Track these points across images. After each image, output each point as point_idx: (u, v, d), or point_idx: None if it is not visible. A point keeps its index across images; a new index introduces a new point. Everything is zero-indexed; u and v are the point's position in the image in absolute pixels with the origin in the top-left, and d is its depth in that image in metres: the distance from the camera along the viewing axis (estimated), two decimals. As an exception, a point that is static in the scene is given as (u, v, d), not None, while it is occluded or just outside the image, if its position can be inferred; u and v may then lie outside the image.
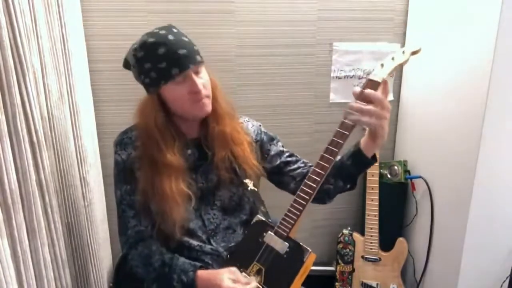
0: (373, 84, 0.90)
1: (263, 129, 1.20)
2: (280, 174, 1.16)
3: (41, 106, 1.02)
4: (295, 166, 1.15)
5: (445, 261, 1.60)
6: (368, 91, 0.88)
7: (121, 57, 1.63)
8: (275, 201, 1.96)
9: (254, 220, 1.03)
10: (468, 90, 1.38)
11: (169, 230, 1.02)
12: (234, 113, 1.10)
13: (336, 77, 1.82)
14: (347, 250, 1.84)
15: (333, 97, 1.84)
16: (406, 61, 0.93)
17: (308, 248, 0.93)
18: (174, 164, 0.99)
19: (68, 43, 1.26)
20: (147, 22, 1.61)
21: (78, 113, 1.32)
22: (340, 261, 1.86)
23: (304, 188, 0.96)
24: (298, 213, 0.95)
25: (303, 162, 1.17)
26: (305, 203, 0.95)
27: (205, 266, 1.02)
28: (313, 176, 0.95)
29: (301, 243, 0.94)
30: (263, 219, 1.02)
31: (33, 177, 0.96)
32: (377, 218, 1.73)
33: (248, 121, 1.19)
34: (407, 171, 1.80)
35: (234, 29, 1.69)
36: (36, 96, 0.99)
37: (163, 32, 0.95)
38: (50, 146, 1.07)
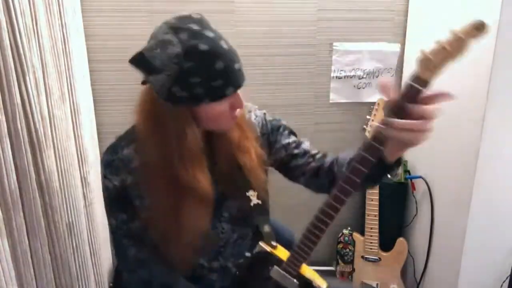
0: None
1: (268, 118, 1.04)
2: (287, 168, 1.04)
3: (41, 106, 1.02)
4: (303, 160, 1.02)
5: (445, 261, 1.60)
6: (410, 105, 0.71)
7: (121, 57, 1.65)
8: (276, 202, 1.96)
9: (257, 249, 0.97)
10: (468, 90, 1.38)
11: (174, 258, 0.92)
12: (243, 119, 0.96)
13: (336, 77, 1.82)
14: (347, 250, 1.84)
15: (333, 97, 1.84)
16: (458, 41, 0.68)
17: (321, 285, 0.89)
18: (210, 194, 0.87)
19: (69, 43, 1.26)
20: (147, 22, 1.61)
21: (79, 112, 1.32)
22: (340, 261, 1.86)
23: (317, 224, 0.87)
24: (310, 251, 0.89)
25: (312, 156, 1.03)
26: (318, 240, 0.88)
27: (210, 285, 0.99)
28: (328, 210, 0.85)
29: (312, 282, 0.90)
30: (267, 249, 0.96)
31: (33, 177, 0.97)
32: (377, 218, 1.73)
33: (251, 112, 1.03)
34: (407, 171, 1.80)
35: (234, 29, 1.69)
36: (37, 95, 0.99)
37: (210, 34, 0.76)
38: (50, 146, 1.07)
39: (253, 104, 1.04)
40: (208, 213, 0.89)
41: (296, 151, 1.02)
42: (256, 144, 0.95)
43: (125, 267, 0.98)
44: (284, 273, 0.93)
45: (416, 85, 0.73)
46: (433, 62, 0.72)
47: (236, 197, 0.97)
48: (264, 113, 1.04)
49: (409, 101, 0.73)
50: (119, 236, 0.94)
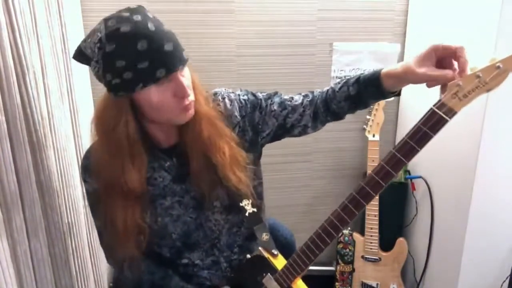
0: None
1: (243, 97, 0.99)
2: (286, 129, 1.01)
3: (41, 106, 1.02)
4: (297, 115, 0.99)
5: (445, 261, 1.60)
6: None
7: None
8: (276, 202, 1.96)
9: (255, 253, 0.96)
10: (468, 90, 1.38)
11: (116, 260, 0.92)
12: (213, 112, 0.91)
13: (336, 77, 1.81)
14: (347, 250, 1.84)
15: (333, 97, 1.84)
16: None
17: None
18: (136, 189, 0.84)
19: (68, 43, 1.26)
20: (147, 22, 1.61)
21: (78, 112, 1.32)
22: (340, 261, 1.86)
23: (316, 240, 0.86)
24: (304, 266, 0.88)
25: (302, 106, 1.00)
26: (314, 257, 0.87)
27: (202, 283, 0.99)
28: (329, 229, 0.84)
29: None
30: (266, 256, 0.94)
31: (33, 177, 0.97)
32: (377, 218, 1.73)
33: (224, 99, 0.97)
34: (407, 171, 1.80)
35: (234, 29, 1.69)
36: (36, 96, 0.99)
37: (137, 17, 0.73)
38: (50, 146, 1.07)
39: (226, 89, 1.01)
40: (135, 207, 0.87)
41: (285, 112, 1.00)
42: (231, 142, 0.92)
43: (115, 263, 0.98)
44: (276, 283, 0.91)
45: (439, 112, 0.67)
46: (463, 90, 0.64)
47: (222, 186, 0.93)
48: (238, 94, 1.00)
49: (430, 129, 0.68)
50: (105, 238, 0.95)
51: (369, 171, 1.73)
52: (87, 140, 1.41)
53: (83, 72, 1.49)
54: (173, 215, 0.94)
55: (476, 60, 1.38)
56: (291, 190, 1.97)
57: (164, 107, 0.80)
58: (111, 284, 1.61)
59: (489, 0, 1.26)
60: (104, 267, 1.52)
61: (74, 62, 1.30)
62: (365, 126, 1.77)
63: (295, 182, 1.95)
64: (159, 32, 0.74)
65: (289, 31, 1.73)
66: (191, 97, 0.83)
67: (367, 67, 1.81)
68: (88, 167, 0.91)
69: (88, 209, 1.36)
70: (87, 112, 1.49)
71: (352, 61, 1.80)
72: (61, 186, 1.14)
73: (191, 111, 0.84)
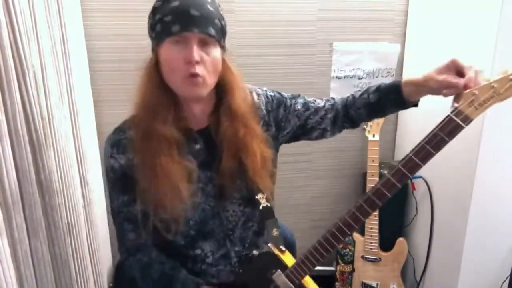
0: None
1: (269, 93, 1.05)
2: (305, 131, 1.07)
3: (41, 106, 1.02)
4: (318, 118, 1.04)
5: (445, 261, 1.60)
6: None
7: (121, 57, 1.65)
8: (276, 202, 1.96)
9: (265, 249, 0.97)
10: (468, 90, 1.38)
11: (169, 227, 0.91)
12: (251, 116, 0.95)
13: (336, 77, 1.82)
14: (347, 250, 1.84)
15: (333, 97, 1.84)
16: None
17: None
18: (167, 134, 0.87)
19: (68, 43, 1.26)
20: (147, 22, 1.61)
21: (78, 113, 1.32)
22: (340, 261, 1.86)
23: (329, 238, 0.88)
24: (316, 263, 0.90)
25: (324, 109, 1.04)
26: (326, 253, 0.89)
27: (209, 281, 0.98)
28: (343, 227, 0.87)
29: None
30: (276, 253, 0.96)
31: (33, 177, 0.97)
32: (377, 218, 1.73)
33: (252, 93, 1.02)
34: (407, 171, 1.80)
35: (234, 29, 1.69)
36: (36, 96, 0.99)
37: None
38: (50, 146, 1.07)
39: (253, 86, 1.05)
40: (174, 154, 0.89)
41: (307, 112, 1.05)
42: (262, 145, 0.95)
43: (124, 250, 0.98)
44: (286, 280, 0.92)
45: (456, 119, 0.72)
46: (478, 99, 0.70)
47: (242, 178, 0.96)
48: (265, 90, 1.05)
49: (447, 135, 0.74)
50: (120, 219, 0.95)
51: (369, 171, 1.73)
52: (86, 140, 1.41)
53: (83, 73, 1.49)
54: (194, 201, 0.94)
55: (477, 60, 1.38)
56: (291, 190, 1.97)
57: (174, 68, 0.84)
58: (111, 284, 1.61)
59: (489, 0, 1.26)
60: (103, 268, 1.52)
61: (74, 62, 1.31)
62: (365, 126, 1.77)
63: (295, 182, 1.95)
64: (197, 2, 0.83)
65: (289, 31, 1.73)
66: (201, 73, 0.84)
67: (367, 67, 1.81)
68: (120, 143, 0.92)
69: (87, 208, 1.36)
70: (87, 112, 1.50)
71: (352, 61, 1.80)
72: (61, 186, 1.14)
73: (198, 89, 0.86)
